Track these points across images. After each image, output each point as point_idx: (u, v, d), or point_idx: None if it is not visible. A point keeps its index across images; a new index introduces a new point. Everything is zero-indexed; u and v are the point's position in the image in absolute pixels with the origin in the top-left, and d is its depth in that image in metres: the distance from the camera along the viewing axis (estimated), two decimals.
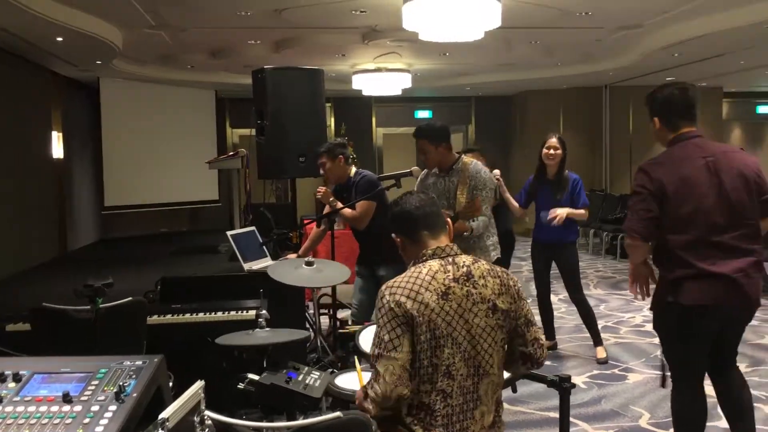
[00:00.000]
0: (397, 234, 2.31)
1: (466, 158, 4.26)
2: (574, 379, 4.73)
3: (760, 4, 6.58)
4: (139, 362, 1.65)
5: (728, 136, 14.60)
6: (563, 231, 5.12)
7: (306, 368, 2.70)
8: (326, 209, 4.52)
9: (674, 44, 8.14)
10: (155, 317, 3.88)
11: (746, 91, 14.03)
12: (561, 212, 4.97)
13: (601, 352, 5.21)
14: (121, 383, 1.57)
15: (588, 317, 5.26)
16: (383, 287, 2.13)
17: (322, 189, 4.46)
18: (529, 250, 5.65)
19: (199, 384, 1.60)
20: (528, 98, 12.93)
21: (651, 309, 3.05)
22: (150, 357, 1.64)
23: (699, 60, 9.40)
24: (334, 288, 4.59)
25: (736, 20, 7.02)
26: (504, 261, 5.58)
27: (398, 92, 10.78)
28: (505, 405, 4.20)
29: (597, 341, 5.27)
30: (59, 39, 6.96)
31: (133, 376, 1.61)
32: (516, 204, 5.28)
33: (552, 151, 5.11)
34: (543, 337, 2.31)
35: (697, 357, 2.96)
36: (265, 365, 2.72)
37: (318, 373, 2.69)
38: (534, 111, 12.94)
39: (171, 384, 2.00)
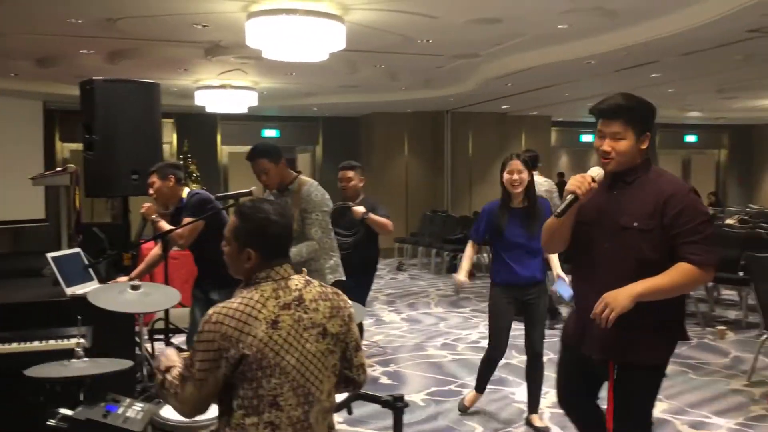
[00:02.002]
0: (248, 246, 2.09)
1: (303, 178, 4.23)
2: (413, 397, 4.84)
3: (580, 42, 7.17)
4: None
5: (556, 161, 15.77)
6: (538, 266, 4.18)
7: (128, 400, 2.54)
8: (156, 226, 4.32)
9: (507, 75, 8.67)
10: None
11: (571, 120, 15.24)
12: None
13: (536, 420, 4.29)
14: None
15: (535, 377, 4.29)
16: (210, 311, 2.03)
17: (147, 204, 4.26)
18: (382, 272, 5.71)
19: None
20: (374, 120, 13.22)
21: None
22: None
23: (530, 90, 10.08)
24: (167, 312, 4.37)
25: (560, 55, 7.61)
26: (366, 284, 5.63)
27: (244, 110, 10.61)
28: (345, 427, 4.22)
29: (532, 407, 4.33)
30: None
31: None
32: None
33: (516, 176, 4.05)
34: (366, 361, 2.31)
35: None
36: (81, 398, 2.52)
37: (142, 405, 2.54)
38: (380, 133, 13.25)
39: None
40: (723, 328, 6.66)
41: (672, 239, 2.45)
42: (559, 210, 2.46)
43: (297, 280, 2.14)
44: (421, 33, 6.81)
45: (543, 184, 6.55)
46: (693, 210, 2.47)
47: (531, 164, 4.19)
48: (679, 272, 2.41)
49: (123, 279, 4.47)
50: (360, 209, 5.27)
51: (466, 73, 9.29)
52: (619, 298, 2.37)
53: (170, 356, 2.18)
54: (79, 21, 6.21)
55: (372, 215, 5.30)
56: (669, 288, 2.43)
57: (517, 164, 4.07)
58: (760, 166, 16.92)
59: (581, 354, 2.64)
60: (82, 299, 3.95)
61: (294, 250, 3.93)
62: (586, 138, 15.92)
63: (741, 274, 7.14)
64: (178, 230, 4.15)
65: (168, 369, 2.12)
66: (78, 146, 11.45)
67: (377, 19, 6.22)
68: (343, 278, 4.35)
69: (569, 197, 2.44)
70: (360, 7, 5.84)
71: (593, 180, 2.48)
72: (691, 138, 16.92)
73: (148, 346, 5.13)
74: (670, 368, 5.47)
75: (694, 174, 17.01)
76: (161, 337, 5.24)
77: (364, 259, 5.34)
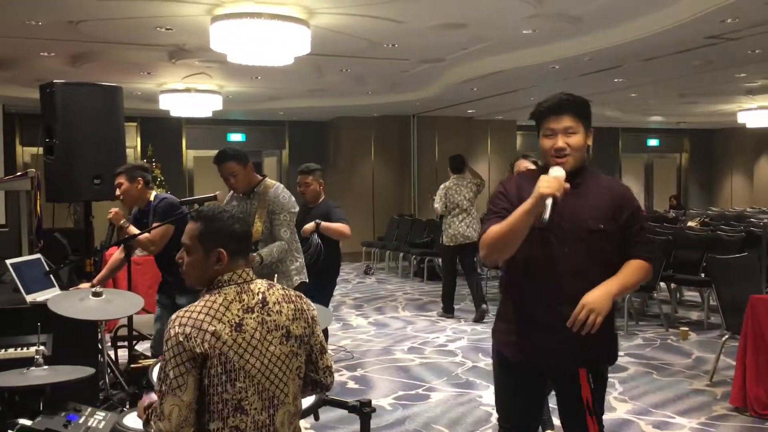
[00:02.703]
0: (217, 246, 2.07)
1: (269, 181, 4.23)
2: (380, 401, 4.84)
3: (544, 47, 7.25)
4: None
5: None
6: None
7: (90, 409, 2.49)
8: (120, 232, 4.26)
9: (472, 79, 8.74)
10: None
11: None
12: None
13: None
14: None
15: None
16: (173, 316, 2.01)
17: (114, 209, 4.20)
18: (343, 274, 5.71)
19: None
20: (341, 124, 13.20)
21: None
22: None
23: (495, 95, 10.16)
24: (130, 318, 4.31)
25: (525, 60, 7.69)
26: (329, 288, 5.62)
27: (209, 114, 10.50)
28: None
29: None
30: None
31: None
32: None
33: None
34: (333, 364, 2.30)
35: None
36: (41, 408, 2.46)
37: (104, 414, 2.49)
38: (347, 137, 13.23)
39: None
40: (685, 329, 6.78)
41: (624, 238, 2.45)
42: (546, 216, 2.24)
43: (260, 284, 2.14)
44: (386, 38, 6.82)
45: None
46: (639, 210, 2.54)
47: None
48: (638, 269, 2.45)
49: (85, 285, 4.39)
50: (309, 226, 5.22)
51: (431, 78, 9.32)
52: (601, 300, 2.31)
53: (151, 396, 2.14)
54: (39, 23, 6.09)
55: (325, 224, 5.27)
56: (633, 285, 2.48)
57: (528, 164, 3.91)
58: (720, 170, 17.29)
59: (530, 370, 2.50)
60: (42, 306, 3.87)
61: (265, 251, 3.93)
62: None
63: (703, 275, 7.29)
64: (149, 236, 4.10)
65: (151, 405, 2.08)
66: (39, 150, 11.25)
67: (343, 24, 6.21)
68: (307, 280, 4.37)
69: (549, 201, 2.25)
70: (325, 12, 5.82)
71: (563, 180, 2.33)
72: (653, 142, 17.23)
73: (111, 353, 5.04)
74: (634, 369, 5.59)
75: (656, 177, 17.33)
76: (125, 344, 5.16)
77: (326, 264, 5.32)
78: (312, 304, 2.24)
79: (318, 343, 2.20)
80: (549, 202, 2.25)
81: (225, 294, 2.05)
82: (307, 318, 2.16)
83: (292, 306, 2.14)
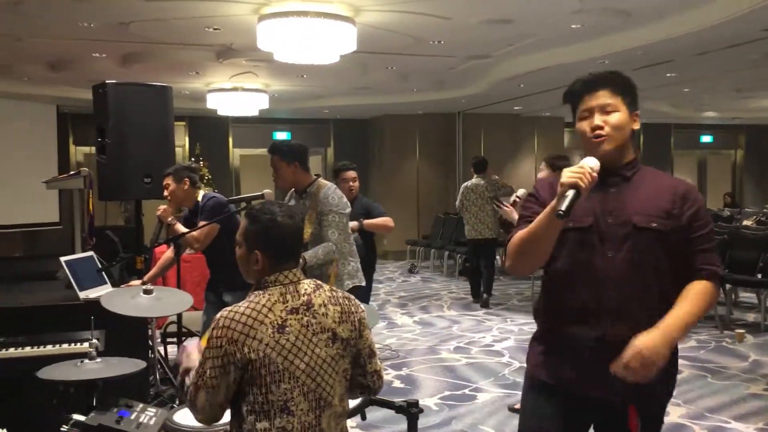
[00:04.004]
0: (255, 248, 2.07)
1: (321, 181, 4.18)
2: (426, 402, 4.80)
3: (593, 41, 7.11)
4: None
5: (571, 162, 15.63)
6: None
7: (141, 405, 2.52)
8: (168, 230, 4.32)
9: (519, 75, 8.62)
10: None
11: None
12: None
13: None
14: None
15: None
16: (217, 316, 2.02)
17: (162, 207, 4.26)
18: (387, 272, 5.67)
19: None
20: (385, 122, 13.19)
21: None
22: None
23: (541, 91, 10.01)
24: (179, 315, 4.36)
25: (573, 56, 7.54)
26: (368, 282, 5.60)
27: (255, 113, 10.61)
28: (358, 431, 4.18)
29: None
30: None
31: None
32: None
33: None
34: (381, 368, 2.28)
35: None
36: (94, 404, 2.50)
37: (154, 410, 2.52)
38: (391, 135, 13.21)
39: None
40: (741, 331, 6.57)
41: (683, 244, 2.04)
42: (563, 209, 1.87)
43: (306, 284, 2.12)
44: (432, 34, 6.78)
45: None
46: (705, 212, 2.12)
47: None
48: (703, 297, 2.01)
49: (136, 282, 4.47)
50: (354, 225, 5.20)
51: (477, 75, 9.24)
52: (659, 348, 1.90)
53: (191, 356, 2.17)
54: (92, 25, 6.22)
55: (367, 222, 5.26)
56: (697, 319, 2.03)
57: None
58: None
59: (568, 398, 2.09)
60: (95, 303, 3.95)
61: (310, 253, 3.89)
62: None
63: (759, 276, 7.06)
64: (194, 233, 4.15)
65: (187, 371, 2.11)
66: (91, 149, 11.53)
67: (389, 21, 6.19)
68: (363, 284, 4.30)
69: (570, 193, 1.89)
70: (371, 9, 5.81)
71: (592, 170, 1.96)
72: (707, 138, 16.77)
73: (161, 349, 5.13)
74: (688, 372, 5.44)
75: (710, 175, 16.85)
76: (174, 340, 5.24)
77: (364, 261, 5.28)
78: (361, 305, 2.21)
79: (367, 346, 2.17)
80: (570, 193, 1.89)
81: (269, 294, 2.04)
82: (354, 321, 2.13)
83: (338, 308, 2.11)
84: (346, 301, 2.15)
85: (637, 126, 2.11)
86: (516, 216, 4.20)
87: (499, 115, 12.90)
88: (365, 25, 6.14)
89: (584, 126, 2.09)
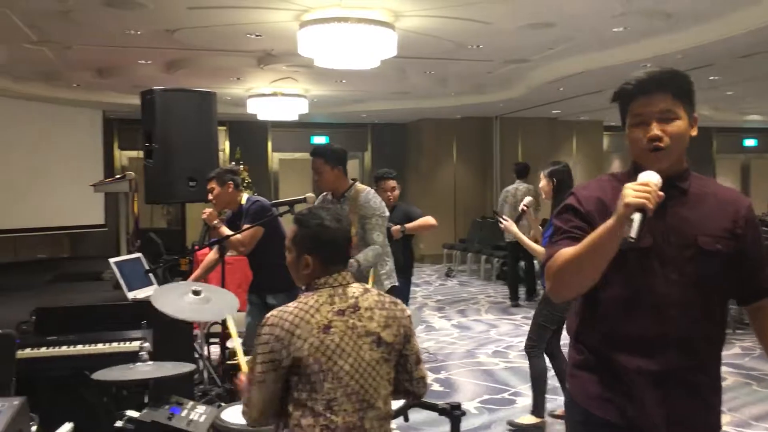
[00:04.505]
0: (304, 252, 2.13)
1: (359, 186, 4.24)
2: (466, 405, 4.82)
3: (634, 44, 7.04)
4: None
5: (608, 166, 15.48)
6: None
7: (191, 403, 2.60)
8: (213, 232, 4.42)
9: (558, 79, 8.57)
10: (28, 350, 3.61)
11: None
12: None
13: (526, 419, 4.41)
14: None
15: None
16: (269, 314, 2.08)
17: (208, 210, 4.36)
18: (424, 275, 5.69)
19: (67, 427, 1.49)
20: (423, 126, 13.21)
21: None
22: (9, 400, 1.51)
23: (581, 95, 9.94)
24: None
25: (614, 59, 7.49)
26: (404, 287, 5.64)
27: (295, 117, 10.73)
28: None
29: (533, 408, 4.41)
30: None
31: None
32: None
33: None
34: (427, 374, 2.31)
35: None
36: (146, 401, 2.59)
37: (204, 408, 2.59)
38: (429, 139, 13.23)
39: (35, 428, 1.86)
40: None
41: (746, 263, 1.87)
42: (633, 235, 1.65)
43: (355, 288, 2.16)
44: (472, 39, 6.79)
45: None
46: (761, 228, 1.98)
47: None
48: None
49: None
50: (397, 229, 5.26)
51: (516, 79, 9.22)
52: None
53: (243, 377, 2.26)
54: (139, 32, 6.39)
55: (410, 225, 5.32)
56: None
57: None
58: None
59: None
60: (143, 303, 4.06)
61: (361, 256, 3.95)
62: None
63: None
64: (239, 237, 4.23)
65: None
66: (135, 154, 11.79)
67: (428, 26, 6.23)
68: (397, 283, 4.36)
69: (636, 216, 1.66)
70: (411, 14, 5.85)
71: (657, 187, 1.72)
72: (750, 142, 16.42)
73: (204, 349, 5.23)
74: (733, 380, 5.35)
75: (753, 180, 16.49)
76: (216, 341, 5.34)
77: (400, 264, 5.33)
78: (408, 310, 2.24)
79: (414, 353, 2.20)
80: (637, 216, 1.67)
81: (318, 296, 2.10)
82: (399, 326, 2.16)
83: (384, 313, 2.14)
84: (393, 306, 2.18)
85: (695, 133, 1.89)
86: (515, 229, 4.16)
87: (537, 118, 12.83)
88: (405, 30, 6.19)
89: (638, 134, 1.84)
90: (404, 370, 2.19)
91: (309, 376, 2.01)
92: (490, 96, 10.61)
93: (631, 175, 1.82)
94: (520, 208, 4.49)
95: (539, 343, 4.28)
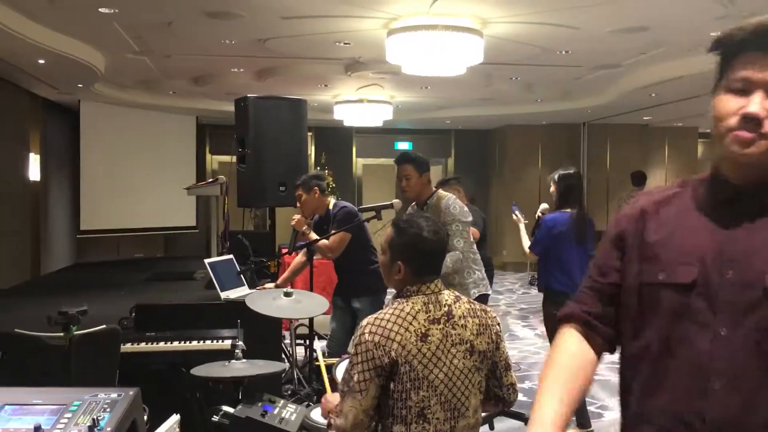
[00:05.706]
0: (398, 259, 2.16)
1: (441, 193, 4.25)
2: None
3: None
4: (114, 395, 1.62)
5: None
6: None
7: (282, 401, 2.68)
8: (301, 237, 4.53)
9: (651, 85, 8.31)
10: (129, 345, 3.81)
11: None
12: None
13: None
14: (95, 417, 1.54)
15: None
16: (365, 322, 2.11)
17: (296, 216, 4.47)
18: (507, 283, 5.65)
19: (174, 418, 1.58)
20: (507, 133, 13.08)
21: None
22: (125, 390, 1.61)
23: (675, 101, 9.60)
24: (311, 318, 4.56)
25: (709, 63, 7.19)
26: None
27: (379, 123, 10.84)
28: None
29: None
30: (41, 61, 6.92)
31: (108, 410, 1.58)
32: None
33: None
34: (516, 380, 2.30)
35: None
36: (240, 397, 2.68)
37: (294, 407, 2.67)
38: (513, 146, 13.09)
39: (146, 417, 1.97)
40: None
41: None
42: None
43: (447, 296, 2.18)
44: (560, 44, 6.69)
45: None
46: None
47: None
48: None
49: (270, 285, 4.72)
50: (474, 232, 5.25)
51: (605, 84, 9.00)
52: None
53: (329, 398, 2.29)
54: (233, 42, 6.62)
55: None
56: None
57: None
58: None
59: None
60: (235, 303, 4.22)
61: None
62: None
63: None
64: (326, 242, 4.32)
65: (332, 411, 2.20)
66: (226, 158, 12.20)
67: (516, 32, 6.18)
68: (488, 292, 4.32)
69: None
70: (500, 21, 5.82)
71: None
72: None
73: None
74: None
75: None
76: (302, 342, 5.46)
77: None
78: (497, 318, 2.25)
79: (503, 359, 2.21)
80: None
81: (413, 303, 2.12)
82: (491, 333, 2.17)
83: (477, 321, 2.16)
84: (484, 314, 2.19)
85: None
86: (521, 226, 4.37)
87: (626, 125, 12.47)
88: (492, 36, 6.16)
89: (730, 106, 1.28)
90: (494, 377, 2.20)
91: (405, 383, 2.03)
92: (577, 102, 10.39)
93: (706, 186, 1.32)
94: (536, 215, 4.47)
95: None
